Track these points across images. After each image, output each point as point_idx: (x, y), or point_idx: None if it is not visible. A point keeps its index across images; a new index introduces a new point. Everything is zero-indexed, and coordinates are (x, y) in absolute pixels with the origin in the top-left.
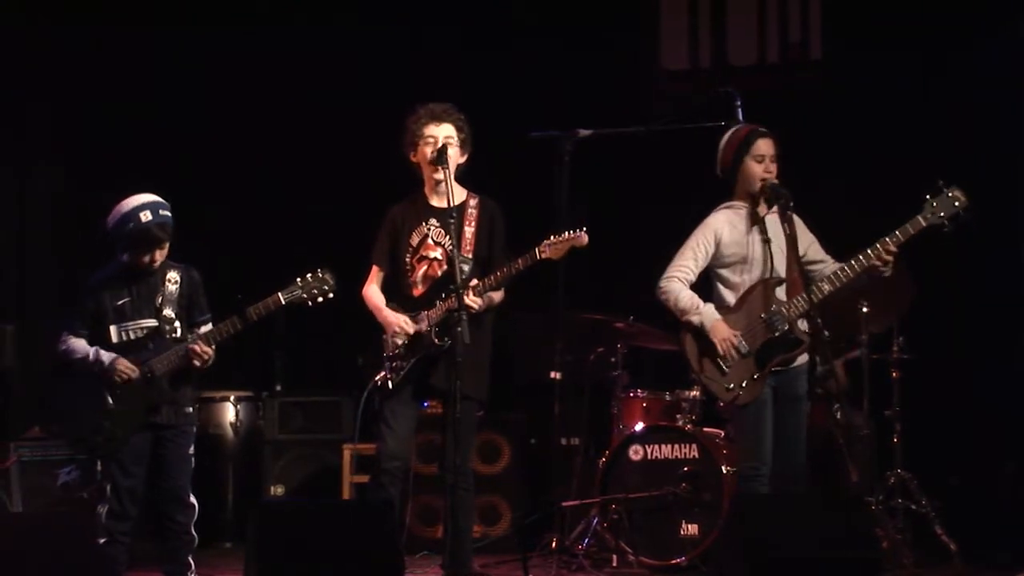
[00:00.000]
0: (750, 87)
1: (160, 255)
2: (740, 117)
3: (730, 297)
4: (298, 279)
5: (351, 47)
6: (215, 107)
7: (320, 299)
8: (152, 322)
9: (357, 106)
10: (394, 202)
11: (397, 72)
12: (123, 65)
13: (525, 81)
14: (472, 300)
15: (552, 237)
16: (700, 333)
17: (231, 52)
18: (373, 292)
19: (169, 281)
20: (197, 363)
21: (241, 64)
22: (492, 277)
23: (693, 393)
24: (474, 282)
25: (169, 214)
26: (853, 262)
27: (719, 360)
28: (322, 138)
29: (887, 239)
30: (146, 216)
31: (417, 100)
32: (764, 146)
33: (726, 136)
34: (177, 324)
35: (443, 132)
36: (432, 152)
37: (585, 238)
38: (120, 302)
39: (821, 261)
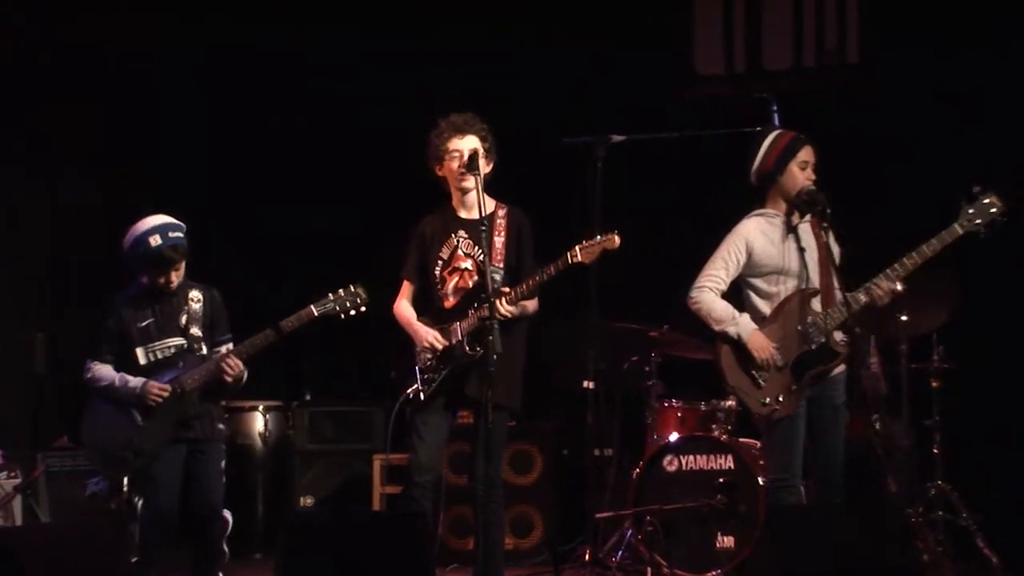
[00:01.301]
0: (786, 91)
1: (176, 276)
2: (776, 122)
3: (764, 307)
4: (330, 293)
5: (376, 55)
6: (253, 119)
7: (352, 312)
8: (179, 340)
9: (383, 116)
10: (423, 212)
11: (423, 80)
12: (157, 75)
13: (557, 86)
14: (505, 308)
15: (584, 241)
16: (736, 345)
17: (266, 62)
18: (404, 307)
19: (192, 300)
20: (229, 378)
21: (272, 75)
22: (524, 285)
23: (729, 403)
24: (506, 290)
25: (181, 235)
26: (889, 272)
27: (755, 373)
28: (349, 150)
29: (916, 252)
30: (155, 240)
31: (444, 108)
32: (808, 153)
33: (767, 141)
34: (203, 343)
35: (467, 144)
36: (460, 165)
37: (617, 240)
38: (144, 323)
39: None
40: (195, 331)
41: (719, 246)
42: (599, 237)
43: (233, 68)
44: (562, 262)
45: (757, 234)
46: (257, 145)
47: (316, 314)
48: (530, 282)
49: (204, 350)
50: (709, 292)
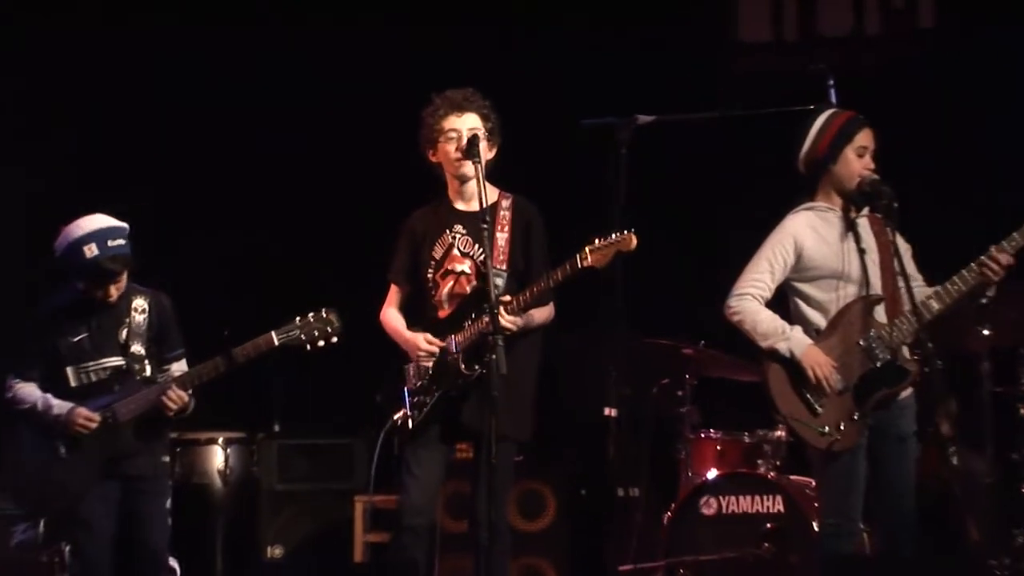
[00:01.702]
0: (845, 63)
1: (116, 289)
2: (833, 100)
3: (816, 318)
4: (297, 318)
5: (372, 32)
6: (206, 107)
7: (321, 343)
8: (117, 360)
9: (367, 98)
10: (414, 209)
11: (411, 55)
12: (107, 66)
13: (574, 61)
14: (508, 319)
15: (597, 241)
16: (787, 363)
17: (229, 51)
18: (391, 315)
19: (135, 310)
20: (170, 411)
21: (235, 60)
22: (528, 291)
23: (778, 433)
24: (507, 297)
25: (123, 241)
26: (965, 273)
27: (810, 397)
28: (329, 135)
29: (1001, 244)
30: (91, 251)
31: (439, 85)
32: (866, 137)
33: (818, 122)
34: (147, 362)
35: (467, 123)
36: (458, 148)
37: (633, 240)
38: (77, 338)
39: (913, 278)
40: (137, 348)
41: (762, 245)
42: (612, 236)
43: (204, 60)
44: (570, 265)
45: (807, 231)
46: (223, 135)
47: (276, 343)
48: (534, 288)
49: (148, 370)
50: (752, 300)
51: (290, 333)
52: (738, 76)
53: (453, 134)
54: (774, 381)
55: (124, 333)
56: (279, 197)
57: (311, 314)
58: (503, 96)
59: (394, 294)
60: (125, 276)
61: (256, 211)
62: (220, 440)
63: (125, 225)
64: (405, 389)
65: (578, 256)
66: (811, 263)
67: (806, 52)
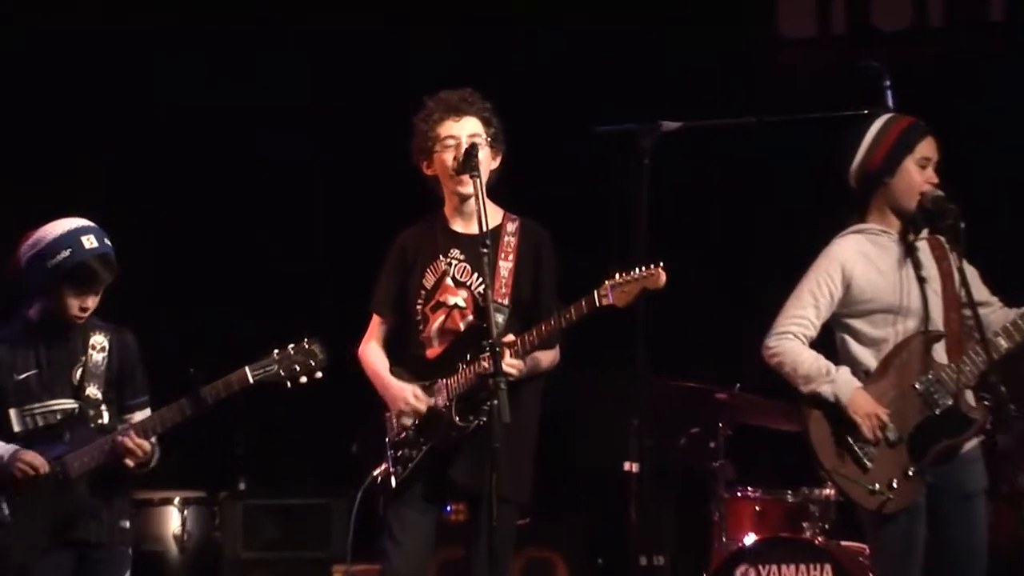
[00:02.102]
0: (903, 60)
1: (93, 303)
2: (889, 103)
3: (868, 358)
4: (275, 351)
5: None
6: (206, 107)
7: (303, 378)
8: (69, 403)
9: (371, 96)
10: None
11: (417, 55)
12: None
13: (586, 60)
14: (510, 363)
15: (618, 276)
16: (832, 410)
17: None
18: (372, 352)
19: (93, 348)
20: (130, 462)
21: (235, 60)
22: (536, 331)
23: (826, 492)
24: (510, 338)
25: (108, 243)
26: None
27: (858, 449)
28: (329, 137)
29: None
30: (90, 242)
31: (447, 86)
32: (929, 146)
33: (872, 130)
34: (104, 408)
35: (466, 129)
36: (456, 157)
37: (662, 277)
38: (24, 375)
39: (987, 304)
40: (92, 391)
41: (805, 276)
42: (637, 271)
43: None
44: (586, 304)
45: (857, 258)
46: (222, 136)
47: (251, 380)
48: (543, 328)
49: (105, 418)
50: (793, 340)
51: (267, 368)
52: (778, 76)
53: (451, 141)
54: (816, 431)
55: (78, 373)
56: (277, 199)
57: (290, 346)
58: (508, 100)
59: (376, 326)
60: (100, 294)
61: (246, 216)
62: (176, 500)
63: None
64: (387, 441)
65: (596, 293)
66: (862, 295)
67: (857, 48)
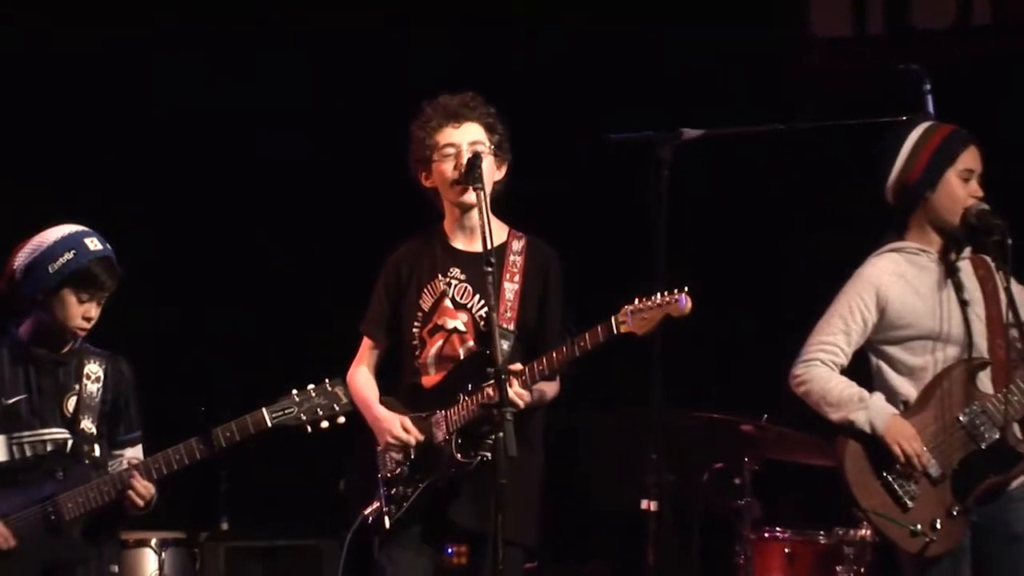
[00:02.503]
0: (944, 62)
1: (96, 312)
2: (930, 109)
3: (906, 388)
4: (295, 392)
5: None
6: (206, 107)
7: (326, 423)
8: (60, 434)
9: (371, 96)
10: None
11: (419, 56)
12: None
13: (602, 62)
14: (518, 392)
15: (637, 301)
16: (867, 441)
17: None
18: (361, 378)
19: (88, 377)
20: (136, 508)
21: (235, 60)
22: (546, 360)
23: (861, 532)
24: (518, 366)
25: (109, 248)
26: None
27: (896, 485)
28: (330, 139)
29: None
30: (93, 244)
31: (451, 86)
32: (973, 157)
33: (911, 138)
34: (97, 444)
35: (467, 136)
36: (457, 167)
37: (688, 304)
38: (12, 400)
39: None
40: (87, 425)
41: (836, 299)
42: (659, 297)
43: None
44: (603, 331)
45: (894, 280)
46: (222, 136)
47: (270, 423)
48: (554, 357)
49: (97, 451)
50: (821, 367)
51: (287, 411)
52: (809, 80)
53: (450, 150)
54: (851, 465)
55: (72, 403)
56: (277, 199)
57: (311, 387)
58: (514, 104)
59: (367, 350)
60: (102, 305)
61: (246, 216)
62: (153, 542)
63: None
64: (379, 477)
65: (614, 320)
66: (899, 320)
67: (895, 49)
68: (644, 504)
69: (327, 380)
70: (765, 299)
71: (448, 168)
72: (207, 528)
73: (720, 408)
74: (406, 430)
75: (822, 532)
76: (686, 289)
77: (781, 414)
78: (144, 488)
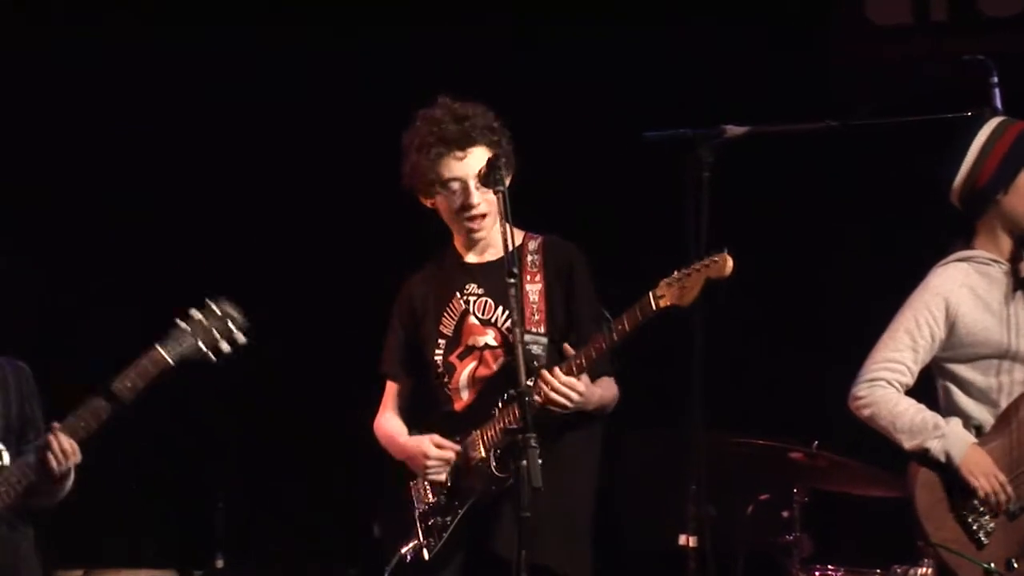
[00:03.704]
0: (1014, 52)
1: None
2: (998, 103)
3: (978, 413)
4: (179, 321)
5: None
6: (205, 107)
7: (227, 346)
8: None
9: (373, 97)
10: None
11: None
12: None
13: (635, 55)
14: (567, 382)
15: (676, 272)
16: (943, 472)
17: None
18: (387, 422)
19: None
20: (54, 465)
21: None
22: (583, 353)
23: (922, 571)
24: (548, 374)
25: None
26: None
27: (971, 520)
28: (318, 144)
29: None
30: None
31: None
32: None
33: (980, 137)
34: (4, 452)
35: (472, 167)
36: (464, 204)
37: (728, 263)
38: None
39: None
40: None
41: (901, 312)
42: (697, 263)
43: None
44: (642, 309)
45: (963, 293)
46: (221, 137)
47: (171, 361)
48: (591, 349)
49: (5, 459)
50: (887, 388)
51: (182, 342)
52: (864, 72)
53: (455, 185)
54: (923, 495)
55: None
56: (277, 199)
57: (194, 311)
58: (540, 102)
59: (392, 394)
60: None
61: (246, 217)
62: None
63: None
64: (415, 515)
65: (651, 295)
66: (969, 336)
67: (961, 37)
68: (682, 539)
69: (207, 300)
70: (816, 313)
71: (456, 203)
72: (201, 566)
73: (766, 434)
74: (439, 446)
75: (879, 570)
76: (725, 249)
77: (833, 440)
78: (68, 446)
